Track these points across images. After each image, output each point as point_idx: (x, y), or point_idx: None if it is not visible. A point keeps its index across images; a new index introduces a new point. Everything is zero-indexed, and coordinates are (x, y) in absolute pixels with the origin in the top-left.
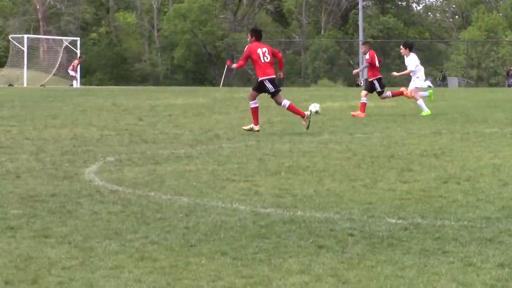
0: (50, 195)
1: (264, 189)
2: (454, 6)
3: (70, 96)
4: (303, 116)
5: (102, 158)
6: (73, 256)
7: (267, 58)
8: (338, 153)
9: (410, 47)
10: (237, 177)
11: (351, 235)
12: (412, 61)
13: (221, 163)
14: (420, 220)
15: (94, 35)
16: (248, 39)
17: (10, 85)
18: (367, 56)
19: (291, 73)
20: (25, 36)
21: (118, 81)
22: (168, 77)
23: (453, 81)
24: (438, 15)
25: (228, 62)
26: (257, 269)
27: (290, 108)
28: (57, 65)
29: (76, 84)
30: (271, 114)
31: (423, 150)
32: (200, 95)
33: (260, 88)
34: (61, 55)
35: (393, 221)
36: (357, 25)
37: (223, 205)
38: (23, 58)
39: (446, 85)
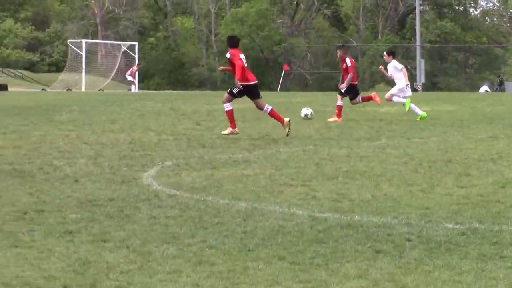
0: (108, 200)
1: (322, 193)
2: (511, 11)
3: (128, 100)
4: (282, 122)
5: (160, 163)
6: (131, 260)
7: (246, 64)
8: (396, 158)
9: (392, 54)
10: (294, 182)
11: (409, 240)
12: (394, 67)
13: (278, 167)
14: (477, 225)
15: (152, 39)
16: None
17: (68, 89)
18: (348, 61)
19: None
20: (84, 40)
21: (175, 85)
22: (225, 82)
23: (510, 85)
24: (495, 19)
25: (285, 67)
26: (314, 273)
27: (271, 114)
28: (115, 70)
29: (134, 88)
30: (326, 120)
31: (481, 155)
32: None
33: (242, 92)
34: (119, 59)
35: (451, 226)
36: (414, 30)
37: (280, 210)
38: (82, 62)
39: (503, 90)
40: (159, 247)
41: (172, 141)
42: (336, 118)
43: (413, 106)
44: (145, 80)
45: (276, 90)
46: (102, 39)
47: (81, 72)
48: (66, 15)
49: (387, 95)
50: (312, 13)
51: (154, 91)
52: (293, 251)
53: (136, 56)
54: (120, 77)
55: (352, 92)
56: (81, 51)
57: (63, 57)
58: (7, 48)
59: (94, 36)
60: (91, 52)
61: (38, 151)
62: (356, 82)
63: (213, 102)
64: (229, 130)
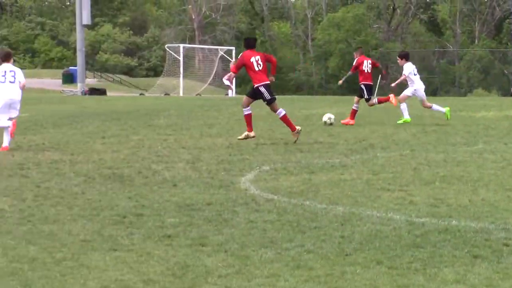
0: (206, 204)
1: (419, 198)
2: None
3: (225, 105)
4: (293, 130)
5: (257, 167)
6: (229, 264)
7: (260, 66)
8: (493, 163)
9: (405, 57)
10: (391, 187)
11: (506, 245)
12: (406, 68)
13: (375, 172)
14: None
15: None
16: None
17: (166, 94)
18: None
19: (445, 82)
20: (181, 45)
21: (272, 90)
22: (322, 86)
23: None
24: None
25: (383, 72)
26: (412, 278)
27: (283, 119)
28: (212, 75)
29: (231, 93)
30: (425, 123)
31: None
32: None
33: (255, 95)
34: (216, 64)
35: None
36: (511, 34)
37: (378, 215)
38: (179, 67)
39: None
40: (257, 251)
41: (270, 145)
42: (349, 121)
43: (403, 107)
44: (242, 84)
45: (373, 95)
46: (199, 44)
47: (179, 76)
48: (164, 20)
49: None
50: (408, 18)
51: None
52: (390, 255)
53: (233, 60)
54: (217, 82)
55: (367, 93)
56: (179, 56)
57: (160, 61)
58: (106, 53)
59: (192, 41)
60: (189, 57)
61: (137, 155)
62: (371, 83)
63: (309, 106)
64: (244, 134)
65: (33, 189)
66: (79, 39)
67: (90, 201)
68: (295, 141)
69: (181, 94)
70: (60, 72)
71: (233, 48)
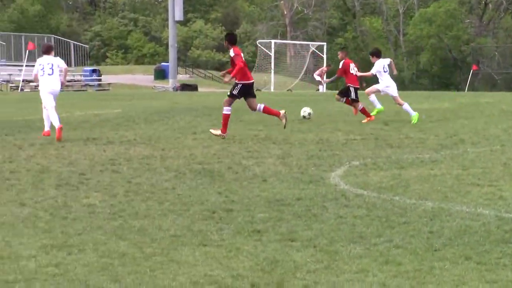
0: (296, 199)
1: (509, 193)
2: None
3: (316, 101)
4: (278, 115)
5: (347, 162)
6: (318, 259)
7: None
8: None
9: (376, 55)
10: (481, 182)
11: None
12: (375, 66)
13: (465, 167)
14: None
15: (340, 40)
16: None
17: (257, 89)
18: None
19: None
20: (273, 41)
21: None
22: (413, 82)
23: None
24: None
25: (474, 67)
26: (500, 274)
27: (265, 110)
28: (303, 70)
29: (322, 89)
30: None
31: None
32: (445, 100)
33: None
34: (307, 60)
35: None
36: None
37: (467, 210)
38: (270, 63)
39: None
40: (346, 247)
41: (360, 141)
42: (368, 118)
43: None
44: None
45: (464, 90)
46: (291, 40)
47: (270, 72)
48: (256, 16)
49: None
50: (500, 12)
51: None
52: (479, 251)
53: (325, 56)
54: (308, 78)
55: (354, 95)
56: (270, 51)
57: (252, 57)
58: (198, 49)
59: (283, 36)
60: (280, 52)
61: (227, 150)
62: (359, 86)
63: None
64: (219, 131)
65: (124, 185)
66: (171, 35)
67: (181, 196)
68: (284, 126)
69: (272, 89)
70: (152, 68)
71: (325, 43)
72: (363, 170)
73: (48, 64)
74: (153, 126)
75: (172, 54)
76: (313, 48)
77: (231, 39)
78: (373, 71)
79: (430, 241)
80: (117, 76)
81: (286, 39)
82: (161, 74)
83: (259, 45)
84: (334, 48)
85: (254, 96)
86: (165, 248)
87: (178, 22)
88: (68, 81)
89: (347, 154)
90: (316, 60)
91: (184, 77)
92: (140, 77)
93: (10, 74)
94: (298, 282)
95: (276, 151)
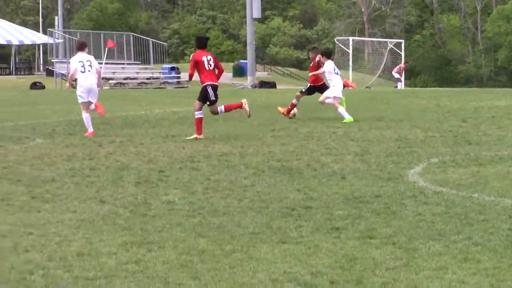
0: (374, 196)
1: None
2: None
3: (394, 97)
4: (240, 106)
5: (426, 160)
6: (397, 257)
7: (210, 66)
8: None
9: (326, 55)
10: None
11: None
12: (325, 66)
13: None
14: None
15: (418, 37)
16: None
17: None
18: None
19: None
20: (351, 38)
21: (442, 82)
22: (491, 79)
23: None
24: None
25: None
26: None
27: (227, 109)
28: (381, 67)
29: (400, 86)
30: None
31: None
32: None
33: (205, 95)
34: (385, 57)
35: None
36: None
37: None
38: (349, 60)
39: None
40: (424, 244)
41: (438, 138)
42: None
43: (341, 110)
44: (411, 77)
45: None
46: (369, 37)
47: (348, 69)
48: (334, 13)
49: (323, 99)
50: None
51: (420, 88)
52: None
53: (403, 53)
54: (386, 75)
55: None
56: (348, 48)
57: None
58: (276, 46)
59: (361, 33)
60: (358, 49)
61: (306, 147)
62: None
63: (478, 99)
64: (194, 136)
65: (203, 182)
66: (249, 32)
67: (260, 194)
68: (248, 115)
69: None
70: (230, 65)
71: (402, 41)
72: (442, 168)
73: (87, 61)
74: (231, 123)
75: (250, 51)
76: (391, 45)
77: (199, 43)
78: (324, 69)
79: (510, 238)
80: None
81: (364, 36)
82: (239, 72)
83: (337, 43)
84: (412, 45)
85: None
86: (244, 245)
87: (256, 19)
88: (147, 79)
89: (425, 151)
90: (394, 57)
91: (262, 74)
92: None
93: None
94: (377, 279)
95: (354, 148)
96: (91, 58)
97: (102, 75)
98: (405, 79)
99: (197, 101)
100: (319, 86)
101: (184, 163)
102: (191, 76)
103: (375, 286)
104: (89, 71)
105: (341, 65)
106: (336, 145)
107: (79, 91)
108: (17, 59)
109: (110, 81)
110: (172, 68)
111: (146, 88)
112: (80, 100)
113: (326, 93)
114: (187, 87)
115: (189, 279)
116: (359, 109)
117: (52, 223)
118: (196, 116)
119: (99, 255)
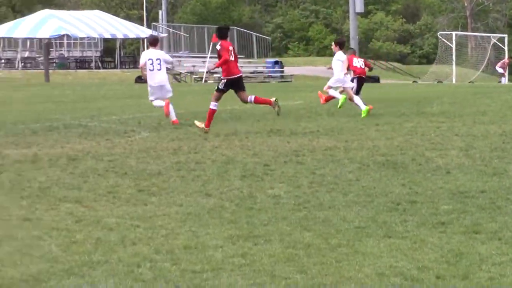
0: (479, 191)
1: None
2: None
3: (498, 92)
4: (271, 103)
5: None
6: (503, 252)
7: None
8: None
9: (340, 45)
10: None
11: None
12: (336, 57)
13: None
14: None
15: None
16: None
17: (439, 81)
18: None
19: None
20: (453, 33)
21: None
22: None
23: None
24: None
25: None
26: None
27: (256, 101)
28: (485, 62)
29: (504, 81)
30: None
31: None
32: None
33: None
34: (488, 52)
35: None
36: None
37: None
38: (452, 55)
39: None
40: None
41: None
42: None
43: (357, 99)
44: None
45: None
46: (472, 31)
47: (451, 64)
48: (436, 8)
49: (325, 87)
50: None
51: None
52: None
53: (506, 48)
54: (490, 70)
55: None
56: (451, 43)
57: (433, 49)
58: (379, 41)
59: (464, 28)
60: (461, 44)
61: (410, 142)
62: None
63: None
64: (202, 125)
65: (308, 176)
66: (352, 27)
67: (365, 188)
68: (278, 113)
69: (453, 81)
70: None
71: (506, 35)
72: None
73: (156, 59)
74: (335, 117)
75: (353, 46)
76: (494, 40)
77: (220, 34)
78: (343, 58)
79: None
80: (298, 68)
81: (466, 31)
82: None
83: (440, 37)
84: None
85: (243, 89)
86: (350, 239)
87: (358, 14)
88: (251, 73)
89: None
90: (498, 52)
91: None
92: (322, 69)
93: (193, 66)
94: (483, 274)
95: (459, 143)
96: (161, 54)
97: (207, 69)
98: (509, 74)
99: (215, 92)
100: (362, 78)
101: (289, 157)
102: (226, 60)
103: (481, 281)
104: (158, 69)
105: (444, 60)
106: (440, 140)
107: (149, 88)
108: (122, 52)
109: (215, 75)
110: (276, 62)
111: (250, 82)
112: (150, 98)
113: (329, 82)
114: (290, 81)
115: (296, 273)
116: (463, 104)
117: (159, 216)
118: (211, 107)
119: (206, 248)
